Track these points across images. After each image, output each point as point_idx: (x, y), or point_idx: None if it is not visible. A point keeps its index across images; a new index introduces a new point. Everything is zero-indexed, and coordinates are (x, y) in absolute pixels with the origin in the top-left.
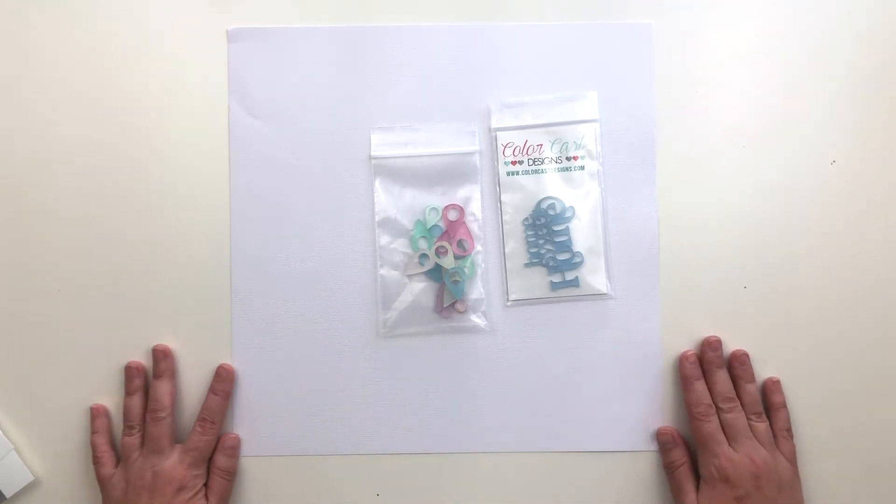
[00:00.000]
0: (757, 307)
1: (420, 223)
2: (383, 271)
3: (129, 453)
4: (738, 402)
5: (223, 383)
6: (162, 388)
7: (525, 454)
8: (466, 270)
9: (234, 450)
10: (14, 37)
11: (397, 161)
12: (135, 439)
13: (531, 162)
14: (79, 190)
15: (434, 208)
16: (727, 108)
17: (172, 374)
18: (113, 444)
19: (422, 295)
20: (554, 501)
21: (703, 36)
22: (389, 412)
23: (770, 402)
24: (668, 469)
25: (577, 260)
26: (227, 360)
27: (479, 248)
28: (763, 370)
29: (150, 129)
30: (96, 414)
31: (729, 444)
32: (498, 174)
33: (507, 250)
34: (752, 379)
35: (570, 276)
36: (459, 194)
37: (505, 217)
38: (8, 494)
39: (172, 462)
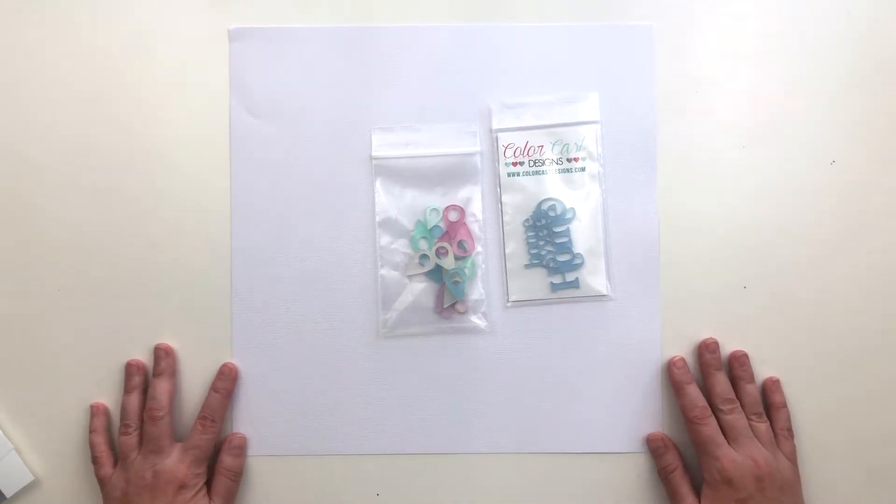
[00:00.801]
0: (757, 308)
1: (421, 224)
2: (384, 272)
3: (127, 453)
4: (738, 403)
5: (225, 382)
6: (161, 387)
7: (525, 455)
8: (467, 271)
9: (241, 449)
10: (14, 37)
11: (398, 161)
12: (132, 438)
13: (532, 163)
14: (80, 189)
15: (435, 209)
16: (727, 109)
17: (172, 373)
18: (112, 444)
19: (422, 295)
20: (553, 502)
21: (704, 37)
22: (389, 412)
23: (770, 402)
24: (662, 474)
25: (578, 261)
26: (227, 360)
27: (479, 248)
28: (763, 370)
29: (151, 129)
30: (95, 413)
31: (730, 446)
32: (499, 175)
33: (507, 251)
34: (751, 379)
35: (570, 277)
36: (460, 195)
37: (505, 218)
38: (8, 494)
39: (173, 461)
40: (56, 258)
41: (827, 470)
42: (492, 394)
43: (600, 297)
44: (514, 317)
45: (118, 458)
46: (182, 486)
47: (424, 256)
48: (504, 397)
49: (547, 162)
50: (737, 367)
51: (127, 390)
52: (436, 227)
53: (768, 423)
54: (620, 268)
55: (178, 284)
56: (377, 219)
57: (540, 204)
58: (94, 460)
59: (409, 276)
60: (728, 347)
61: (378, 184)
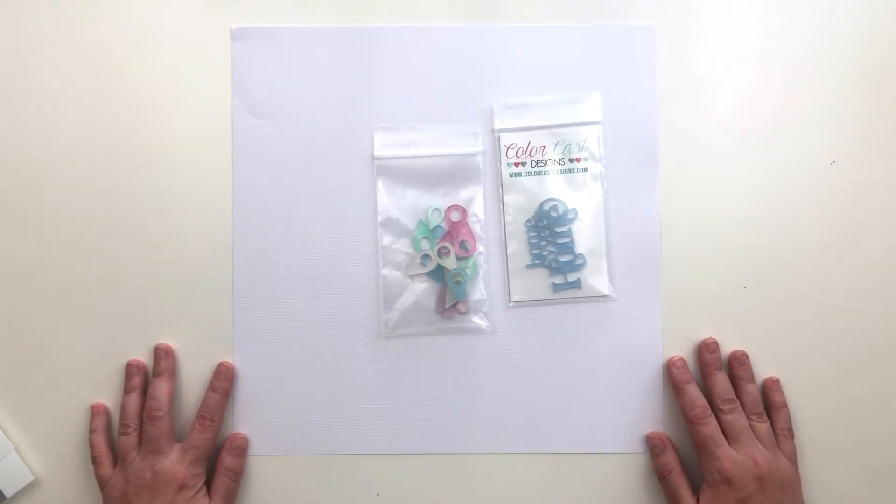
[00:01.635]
0: (757, 308)
1: (422, 224)
2: (385, 272)
3: (127, 453)
4: (738, 403)
5: (223, 381)
6: (160, 388)
7: (525, 455)
8: (468, 271)
9: (242, 450)
10: (15, 37)
11: (400, 161)
12: (131, 439)
13: (534, 163)
14: (81, 189)
15: (436, 209)
16: (729, 110)
17: (172, 373)
18: (112, 444)
19: (424, 295)
20: (554, 503)
21: (706, 38)
22: (390, 412)
23: (770, 402)
24: (660, 473)
25: (579, 262)
26: (228, 360)
27: (481, 249)
28: (763, 370)
29: (152, 129)
30: (95, 413)
31: (730, 446)
32: (501, 175)
33: (509, 251)
34: (752, 379)
35: (571, 277)
36: (462, 195)
37: (507, 218)
38: (8, 494)
39: (172, 461)
40: (56, 258)
41: (827, 470)
42: (493, 394)
43: (602, 298)
44: (516, 317)
45: (118, 458)
46: (181, 487)
47: (426, 256)
48: (505, 397)
49: (549, 162)
50: (737, 366)
51: (127, 390)
52: (438, 227)
53: (769, 423)
54: (622, 268)
55: (179, 284)
56: (379, 219)
57: (542, 204)
58: (94, 460)
59: (411, 276)
60: (728, 347)
61: (380, 184)
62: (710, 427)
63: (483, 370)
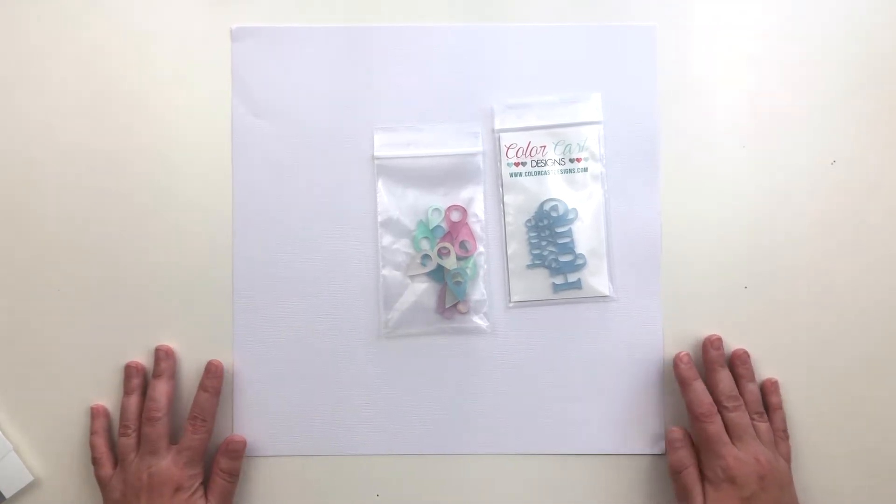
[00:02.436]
0: (757, 308)
1: (422, 224)
2: (385, 272)
3: (126, 454)
4: (742, 401)
5: (213, 379)
6: (159, 389)
7: (526, 456)
8: (469, 271)
9: (238, 452)
10: (14, 37)
11: (400, 161)
12: (131, 440)
13: (534, 163)
14: (80, 190)
15: (437, 209)
16: (729, 110)
17: (171, 374)
18: (112, 445)
19: (424, 296)
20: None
21: (706, 38)
22: (390, 413)
23: (767, 403)
24: (674, 469)
25: (580, 262)
26: (228, 361)
27: (481, 249)
28: (763, 370)
29: (152, 128)
30: (96, 414)
31: (733, 444)
32: (501, 175)
33: (509, 252)
34: (753, 378)
35: (572, 278)
36: (462, 195)
37: (508, 218)
38: (8, 494)
39: (168, 463)
40: (56, 258)
41: (826, 471)
42: (493, 394)
43: (602, 298)
44: (516, 317)
45: (118, 459)
46: (178, 488)
47: (426, 256)
48: (506, 398)
49: (549, 162)
50: (738, 365)
51: (126, 392)
52: (438, 227)
53: (769, 423)
54: (622, 268)
55: (179, 285)
56: (379, 219)
57: (542, 204)
58: (95, 461)
59: (411, 277)
60: (729, 347)
61: (380, 184)
62: (717, 425)
63: (483, 370)
